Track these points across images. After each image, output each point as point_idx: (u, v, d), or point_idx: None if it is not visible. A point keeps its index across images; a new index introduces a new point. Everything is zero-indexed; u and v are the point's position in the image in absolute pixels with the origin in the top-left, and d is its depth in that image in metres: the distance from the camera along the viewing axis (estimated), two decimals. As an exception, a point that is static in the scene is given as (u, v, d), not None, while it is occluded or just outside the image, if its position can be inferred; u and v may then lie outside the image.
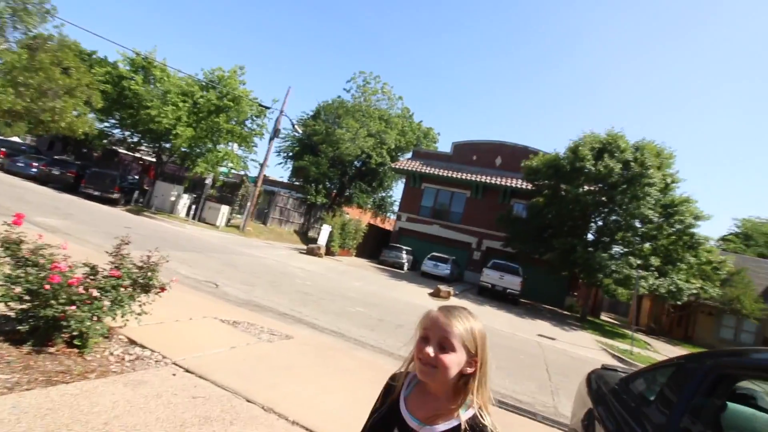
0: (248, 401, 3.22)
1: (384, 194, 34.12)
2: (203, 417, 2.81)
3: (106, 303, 3.27)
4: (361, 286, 13.32)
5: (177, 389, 3.11)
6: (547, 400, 5.75)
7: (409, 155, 30.70)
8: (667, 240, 17.61)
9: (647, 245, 17.68)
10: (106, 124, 21.11)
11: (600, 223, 19.21)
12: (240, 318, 5.61)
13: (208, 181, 19.65)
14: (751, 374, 1.51)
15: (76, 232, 9.53)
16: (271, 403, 3.26)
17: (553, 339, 12.02)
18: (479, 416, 1.03)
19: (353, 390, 4.04)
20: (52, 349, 3.04)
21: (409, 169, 27.62)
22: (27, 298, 2.97)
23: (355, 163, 29.88)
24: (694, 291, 17.34)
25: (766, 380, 1.51)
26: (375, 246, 26.62)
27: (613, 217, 18.22)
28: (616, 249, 18.24)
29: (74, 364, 3.00)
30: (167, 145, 20.26)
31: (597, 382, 2.62)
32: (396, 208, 30.66)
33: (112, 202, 18.45)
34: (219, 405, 3.04)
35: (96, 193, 18.27)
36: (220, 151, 19.49)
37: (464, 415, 1.02)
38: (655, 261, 16.86)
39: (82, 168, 20.00)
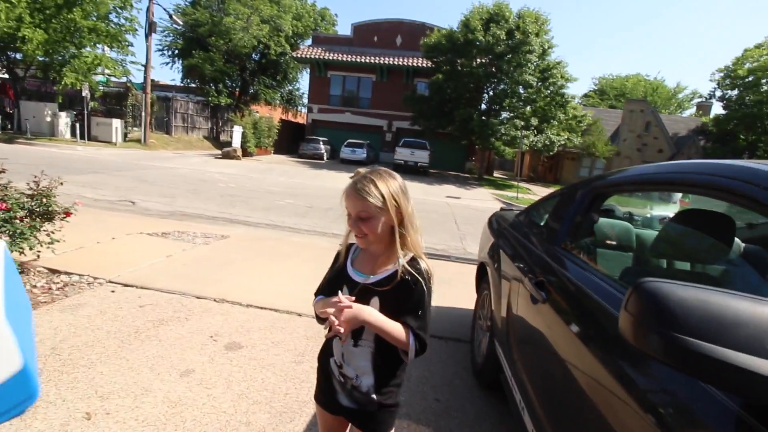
0: (198, 298, 3.18)
1: (291, 87, 31.21)
2: (156, 320, 2.73)
3: (5, 239, 2.76)
4: (286, 181, 12.95)
5: (120, 303, 2.93)
6: (457, 245, 6.54)
7: (309, 42, 27.54)
8: (543, 102, 19.19)
9: (528, 108, 19.17)
10: None
11: (491, 93, 20.04)
12: (168, 229, 5.22)
13: (86, 93, 16.02)
14: (612, 191, 1.74)
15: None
16: (222, 295, 3.25)
17: (458, 198, 13.26)
18: (415, 260, 1.07)
19: (296, 270, 4.17)
20: (-44, 296, 2.58)
21: (312, 57, 25.06)
22: None
23: (253, 56, 26.18)
24: (562, 142, 19.76)
25: (621, 192, 1.76)
26: (292, 141, 25.31)
27: (501, 86, 19.10)
28: (504, 115, 19.55)
29: (-9, 304, 2.61)
30: (18, 56, 15.65)
31: (497, 221, 2.96)
32: (306, 101, 28.54)
33: (-31, 133, 14.59)
34: (170, 307, 2.96)
35: (-59, 124, 14.17)
36: (87, 56, 15.61)
37: (401, 261, 1.05)
38: (534, 121, 18.54)
39: None
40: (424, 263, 1.08)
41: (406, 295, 1.04)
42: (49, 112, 16.60)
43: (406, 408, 2.06)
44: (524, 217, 2.49)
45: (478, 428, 1.97)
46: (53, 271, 3.33)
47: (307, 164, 19.46)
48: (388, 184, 1.05)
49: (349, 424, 1.20)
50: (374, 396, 1.08)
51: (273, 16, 24.42)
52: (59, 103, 17.08)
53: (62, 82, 15.27)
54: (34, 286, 2.99)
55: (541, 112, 19.26)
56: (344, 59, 24.71)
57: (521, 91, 18.90)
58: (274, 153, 23.19)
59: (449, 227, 7.99)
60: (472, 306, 3.04)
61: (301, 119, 31.74)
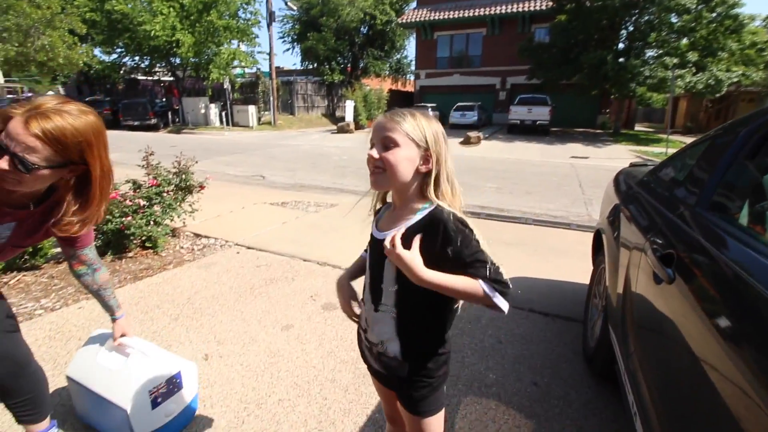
0: (304, 260, 3.44)
1: (399, 56, 31.00)
2: (268, 279, 3.05)
3: (157, 209, 3.39)
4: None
5: (242, 263, 3.36)
6: (580, 210, 5.71)
7: (414, 5, 26.66)
8: (707, 29, 14.86)
9: (684, 41, 15.15)
10: (114, 55, 19.91)
11: (631, 28, 16.44)
12: (287, 199, 5.78)
13: (227, 86, 18.70)
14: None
15: (130, 160, 9.80)
16: (324, 258, 3.46)
17: (585, 158, 11.57)
18: (441, 210, 0.86)
19: (396, 236, 4.18)
20: (130, 255, 3.31)
21: (417, 20, 24.25)
22: (90, 218, 3.12)
23: (361, 29, 26.62)
24: (735, 80, 15.23)
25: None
26: (401, 111, 25.38)
27: (645, 18, 15.44)
28: (650, 53, 15.90)
29: (153, 261, 3.27)
30: (177, 61, 19.03)
31: (624, 180, 2.41)
32: (414, 67, 28.09)
33: (153, 128, 18.53)
34: (280, 268, 3.27)
35: (135, 123, 18.32)
36: (225, 52, 18.04)
37: (423, 210, 0.88)
38: (692, 56, 14.60)
39: (114, 103, 19.76)
40: (459, 213, 0.87)
41: (434, 245, 0.84)
42: (202, 105, 19.90)
43: (495, 387, 1.88)
44: (658, 172, 1.95)
45: (584, 422, 1.68)
46: (197, 235, 4.01)
47: (415, 132, 19.35)
48: (428, 120, 0.89)
49: None
50: (404, 361, 0.95)
51: (378, -16, 24.23)
52: (209, 96, 20.34)
53: (210, 78, 18.08)
54: (182, 247, 3.63)
55: (703, 44, 15.02)
56: (451, 16, 23.26)
57: (673, 20, 14.98)
58: (384, 124, 23.67)
59: (571, 191, 7.03)
60: (588, 281, 2.60)
61: (410, 87, 31.48)
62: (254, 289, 2.88)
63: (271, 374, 1.94)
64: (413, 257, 0.82)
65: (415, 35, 26.27)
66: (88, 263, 1.33)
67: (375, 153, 0.87)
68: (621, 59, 15.70)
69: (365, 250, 1.11)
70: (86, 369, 1.56)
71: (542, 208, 5.74)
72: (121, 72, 21.01)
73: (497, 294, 0.84)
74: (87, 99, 21.48)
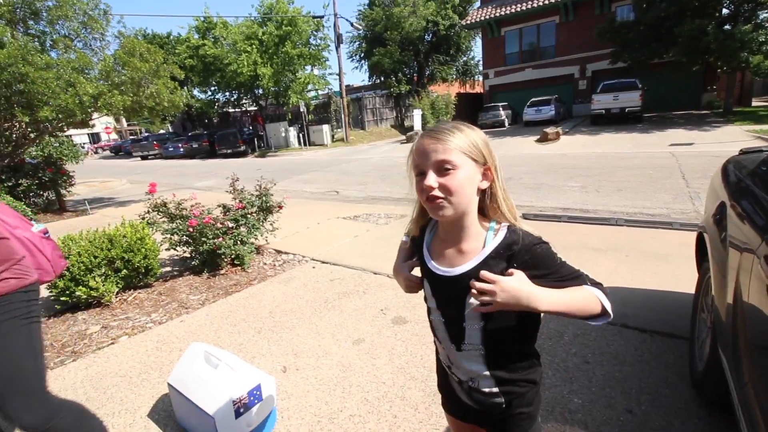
0: (375, 273, 3.51)
1: (465, 58, 30.46)
2: (341, 293, 3.16)
3: (243, 229, 3.74)
4: (464, 155, 12.81)
5: (318, 277, 3.53)
6: (685, 206, 4.98)
7: (477, 4, 26.03)
8: None
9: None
10: (209, 93, 22.78)
11: (738, -12, 14.03)
12: (359, 212, 5.98)
13: (303, 109, 20.17)
14: None
15: (223, 185, 11.03)
16: (394, 272, 3.49)
17: (690, 144, 10.08)
18: (513, 229, 0.81)
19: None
20: (223, 272, 3.69)
21: (482, 19, 23.60)
22: (189, 241, 3.57)
23: (425, 37, 26.76)
24: None
25: None
26: (471, 113, 24.76)
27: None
28: (764, 15, 13.37)
29: (241, 277, 3.61)
30: (260, 91, 21.06)
31: (734, 171, 2.04)
32: (481, 68, 27.33)
33: (242, 154, 20.65)
34: (352, 281, 3.38)
35: (228, 151, 20.61)
36: (300, 77, 19.50)
37: (498, 235, 0.82)
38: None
39: (211, 135, 22.50)
40: (528, 226, 0.82)
41: (526, 270, 0.77)
42: (282, 128, 21.66)
43: (581, 414, 1.70)
44: (779, 159, 1.62)
45: (693, 461, 1.43)
46: (278, 252, 4.33)
47: (487, 134, 18.13)
48: (475, 131, 0.82)
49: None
50: (501, 399, 0.89)
51: (438, -10, 24.21)
52: (288, 120, 22.08)
53: (289, 103, 19.68)
54: (265, 264, 3.95)
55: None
56: (519, 9, 22.21)
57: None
58: (453, 129, 23.33)
59: (673, 185, 6.16)
60: (694, 290, 2.24)
61: (479, 88, 30.67)
62: (328, 302, 3.01)
63: (343, 388, 2.00)
64: (524, 289, 0.74)
65: (480, 35, 25.61)
66: None
67: (433, 181, 0.77)
68: (726, 27, 13.46)
69: (405, 237, 1.00)
70: (183, 378, 1.76)
71: (636, 206, 5.12)
72: (216, 107, 23.91)
73: (605, 298, 0.79)
74: (190, 134, 24.81)
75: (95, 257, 2.94)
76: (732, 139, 10.24)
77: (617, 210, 5.00)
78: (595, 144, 11.82)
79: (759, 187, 1.54)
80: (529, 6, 21.93)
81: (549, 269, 0.79)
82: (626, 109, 15.74)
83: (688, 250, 3.20)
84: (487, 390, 0.90)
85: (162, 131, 30.44)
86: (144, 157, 25.62)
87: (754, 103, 19.68)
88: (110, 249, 3.04)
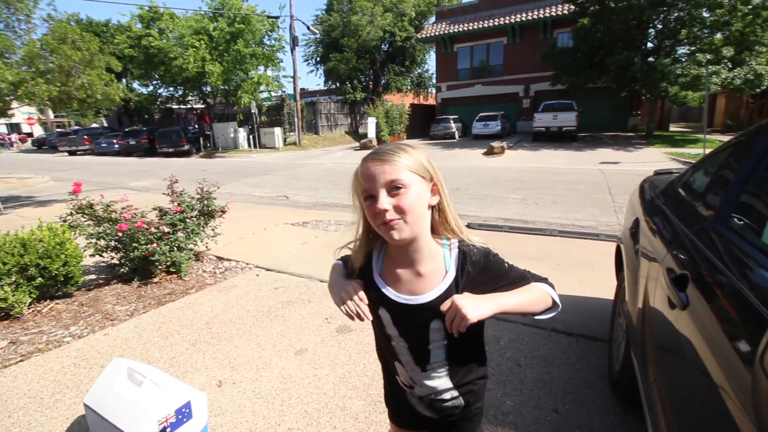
0: (321, 281, 3.45)
1: (420, 70, 31.33)
2: (285, 302, 3.08)
3: (181, 234, 3.52)
4: (416, 165, 13.09)
5: (261, 285, 3.41)
6: (610, 219, 5.46)
7: (433, 20, 26.98)
8: (743, 22, 14.13)
9: (718, 36, 14.45)
10: (151, 87, 21.33)
11: (659, 26, 15.88)
12: (308, 218, 5.87)
13: (254, 110, 19.54)
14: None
15: (162, 186, 10.34)
16: (341, 280, 3.46)
17: (616, 163, 11.11)
18: (465, 244, 0.84)
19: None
20: (156, 280, 3.44)
21: (437, 34, 24.49)
22: (118, 246, 3.29)
23: (381, 47, 27.17)
24: (777, 74, 14.30)
25: None
26: (423, 124, 25.48)
27: (675, 14, 14.90)
28: (681, 51, 15.26)
29: (176, 286, 3.39)
30: (208, 89, 20.09)
31: (648, 189, 2.28)
32: (435, 81, 28.25)
33: (186, 154, 19.51)
34: (297, 290, 3.30)
35: (170, 149, 19.36)
36: (252, 78, 18.90)
37: (451, 255, 0.83)
38: (727, 51, 13.86)
39: (151, 132, 21.02)
40: (475, 239, 0.85)
41: (483, 279, 0.82)
42: (231, 129, 20.80)
43: (512, 416, 1.78)
44: (682, 181, 1.83)
45: (608, 455, 1.56)
46: (219, 258, 4.12)
47: (438, 145, 19.31)
48: (414, 149, 0.81)
49: None
50: (461, 400, 0.93)
51: (395, 3, 24.75)
52: (238, 121, 21.25)
53: (240, 103, 18.94)
54: (204, 271, 3.74)
55: (739, 38, 14.26)
56: (471, 28, 23.34)
57: (705, 14, 14.36)
58: (406, 138, 23.82)
59: (601, 199, 6.74)
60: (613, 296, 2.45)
61: (432, 101, 31.66)
62: (271, 312, 2.91)
63: (282, 401, 1.94)
64: (485, 300, 0.77)
65: (435, 49, 26.51)
66: None
67: (386, 203, 0.74)
68: (650, 59, 15.15)
69: (338, 261, 1.00)
70: (102, 397, 1.61)
71: (569, 218, 5.53)
72: (157, 103, 22.42)
73: (552, 290, 0.86)
74: (126, 130, 23.00)
75: (4, 264, 2.61)
76: (652, 159, 11.45)
77: (553, 221, 5.37)
78: (535, 159, 12.64)
79: (667, 205, 1.73)
80: (481, 26, 23.12)
81: (502, 277, 0.84)
82: (563, 128, 17.07)
83: (611, 260, 3.52)
84: (448, 397, 0.92)
85: (95, 125, 27.97)
86: (72, 153, 23.32)
87: (671, 128, 22.18)
88: (23, 255, 2.72)
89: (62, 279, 2.92)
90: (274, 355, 2.35)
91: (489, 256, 0.83)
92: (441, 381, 0.90)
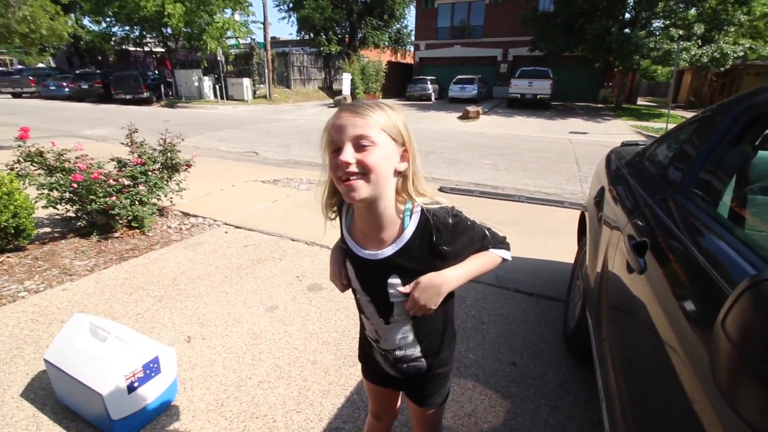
0: (293, 240, 3.42)
1: (398, 26, 29.92)
2: (255, 259, 3.04)
3: (142, 188, 3.33)
4: (391, 126, 12.84)
5: (230, 243, 3.34)
6: (575, 188, 5.66)
7: (414, -30, 25.52)
8: (716, 0, 14.34)
9: (692, 11, 14.62)
10: (104, 25, 19.22)
11: (639, -4, 15.83)
12: (279, 176, 5.71)
13: (221, 58, 18.14)
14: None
15: (120, 136, 9.64)
16: (313, 238, 3.44)
17: (584, 133, 11.39)
18: (428, 206, 0.80)
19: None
20: (117, 235, 3.28)
21: (418, -13, 23.29)
22: (74, 198, 3.08)
23: (359, -4, 25.59)
24: (741, 54, 14.79)
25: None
26: (400, 83, 24.80)
27: (654, -15, 14.85)
28: (657, 24, 15.37)
29: (139, 241, 3.25)
30: (169, 31, 18.36)
31: (614, 160, 2.35)
32: (414, 38, 27.20)
33: (145, 102, 18.12)
34: (268, 248, 3.25)
35: (127, 96, 17.90)
36: (218, 21, 17.41)
37: (414, 217, 0.81)
38: (698, 28, 14.11)
39: (105, 76, 19.24)
40: (445, 201, 0.83)
41: (446, 246, 0.81)
42: (196, 77, 19.37)
43: (474, 368, 1.90)
44: (646, 153, 1.89)
45: (558, 403, 1.70)
46: (185, 215, 3.97)
47: (414, 107, 18.95)
48: (393, 110, 0.78)
49: (400, 393, 1.13)
50: (423, 363, 0.95)
51: (376, -52, 23.07)
52: (203, 69, 19.77)
53: (204, 49, 17.51)
54: (169, 227, 3.60)
55: (711, 15, 14.51)
56: (453, -17, 22.34)
57: (683, -14, 14.41)
58: (382, 97, 23.19)
59: (567, 168, 6.94)
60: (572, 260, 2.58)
61: (409, 59, 30.63)
62: (240, 269, 2.87)
63: (253, 356, 1.96)
64: (436, 282, 0.82)
65: (415, 4, 25.30)
66: None
67: (349, 156, 0.71)
68: (626, 30, 15.21)
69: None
70: (64, 353, 1.56)
71: (537, 185, 5.69)
72: (112, 43, 20.36)
73: (504, 251, 0.91)
74: (78, 72, 20.93)
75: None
76: (618, 131, 11.81)
77: (521, 188, 5.50)
78: (509, 125, 12.73)
79: (632, 176, 1.79)
80: (462, -19, 22.14)
81: (466, 239, 0.84)
82: (538, 96, 17.15)
83: (574, 226, 3.68)
84: (412, 356, 0.94)
85: (41, 65, 25.20)
86: (17, 95, 21.07)
87: (639, 102, 22.81)
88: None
89: (12, 231, 2.71)
90: (244, 311, 2.35)
91: (452, 218, 0.81)
92: (405, 336, 0.91)
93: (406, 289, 0.83)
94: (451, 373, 1.04)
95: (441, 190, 5.18)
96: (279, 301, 2.47)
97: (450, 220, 0.80)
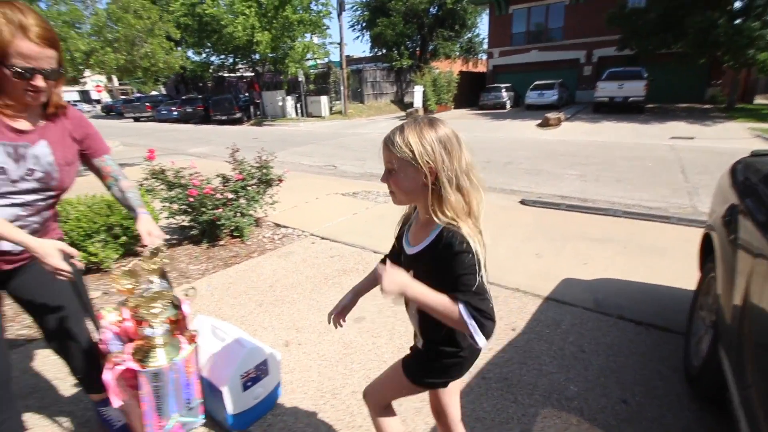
0: (374, 252, 3.51)
1: (470, 35, 29.64)
2: (341, 270, 3.17)
3: (243, 201, 3.69)
4: (464, 136, 12.31)
5: (317, 253, 3.53)
6: (682, 201, 5.03)
7: (488, -22, 25.14)
8: None
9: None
10: (204, 55, 21.96)
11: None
12: (358, 189, 5.93)
13: (301, 78, 19.64)
14: None
15: (219, 152, 10.80)
16: (394, 252, 3.50)
17: (690, 138, 10.09)
18: (450, 227, 0.90)
19: (466, 229, 4.08)
20: (222, 243, 3.67)
21: (492, -6, 22.89)
22: (188, 210, 3.52)
23: (430, 10, 25.88)
24: None
25: None
26: (473, 93, 24.38)
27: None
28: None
29: (240, 249, 3.60)
30: (257, 57, 20.36)
31: (744, 172, 2.04)
32: (486, 46, 26.70)
33: (237, 121, 20.19)
34: (352, 259, 3.38)
35: (223, 117, 20.12)
36: (299, 46, 18.87)
37: (435, 231, 0.93)
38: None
39: (206, 100, 21.87)
40: (466, 228, 0.89)
41: (443, 265, 0.89)
42: (280, 97, 21.12)
43: (577, 401, 1.76)
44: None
45: (684, 451, 1.50)
46: (277, 225, 4.30)
47: (487, 116, 18.49)
48: (422, 133, 0.90)
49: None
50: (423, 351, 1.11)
51: (449, -39, 23.25)
52: (285, 89, 21.51)
53: (287, 72, 19.09)
54: (264, 237, 3.93)
55: None
56: (530, -13, 21.56)
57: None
58: (454, 108, 23.02)
59: (671, 179, 6.20)
60: (692, 286, 2.28)
61: (482, 67, 30.07)
62: (328, 279, 3.02)
63: (345, 366, 2.03)
64: (397, 279, 0.87)
65: (488, 12, 24.89)
66: (113, 174, 1.45)
67: (384, 178, 0.97)
68: (737, 21, 13.26)
69: (382, 260, 1.23)
70: (189, 349, 1.77)
71: (634, 198, 5.16)
72: (210, 71, 23.12)
73: (474, 321, 0.84)
74: (183, 97, 24.09)
75: (95, 223, 2.89)
76: (733, 136, 10.27)
77: (616, 201, 5.04)
78: (596, 132, 11.79)
79: (771, 192, 1.54)
80: (540, -16, 21.27)
81: (452, 270, 0.88)
82: (629, 99, 15.65)
83: (685, 246, 3.26)
84: (419, 347, 1.13)
85: (154, 93, 29.50)
86: (136, 119, 24.91)
87: (756, 101, 19.66)
88: (109, 215, 2.99)
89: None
90: (334, 321, 2.45)
91: (459, 254, 0.87)
92: (415, 327, 1.11)
93: (385, 267, 0.89)
94: (449, 381, 1.13)
95: (523, 202, 4.95)
96: (365, 312, 2.55)
97: (456, 247, 0.87)
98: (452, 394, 1.21)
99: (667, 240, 3.59)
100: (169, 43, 7.81)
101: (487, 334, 0.85)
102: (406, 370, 1.15)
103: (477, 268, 0.87)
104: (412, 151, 0.89)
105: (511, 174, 6.84)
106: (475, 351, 1.08)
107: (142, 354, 1.25)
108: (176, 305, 1.39)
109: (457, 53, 29.11)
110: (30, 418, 1.74)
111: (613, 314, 2.41)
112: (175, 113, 21.95)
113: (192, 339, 1.35)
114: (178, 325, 1.37)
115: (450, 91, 21.53)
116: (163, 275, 1.39)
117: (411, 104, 20.51)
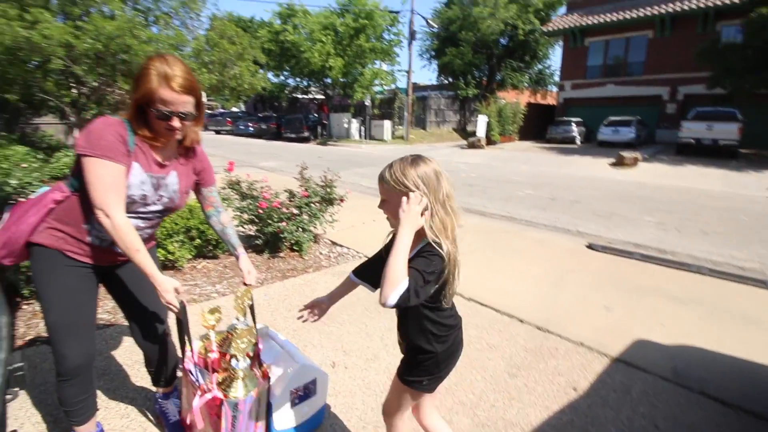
0: (427, 283, 3.45)
1: (540, 67, 29.08)
2: (392, 297, 3.15)
3: (305, 217, 3.86)
4: (528, 169, 12.29)
5: (370, 277, 3.55)
6: (783, 263, 4.38)
7: (563, 10, 24.73)
8: None
9: None
10: (281, 77, 23.84)
11: None
12: (414, 215, 5.94)
13: (368, 103, 20.49)
14: None
15: (286, 168, 11.49)
16: (447, 284, 3.42)
17: (794, 191, 8.88)
18: (430, 244, 1.07)
19: (525, 268, 3.89)
20: (282, 254, 3.84)
21: (566, 26, 22.39)
22: (256, 220, 3.75)
23: (501, 40, 25.89)
24: None
25: None
26: (540, 125, 23.69)
27: None
28: None
29: (297, 263, 3.73)
30: (328, 81, 21.66)
31: None
32: (557, 78, 25.99)
33: (305, 140, 21.41)
34: (404, 287, 3.35)
35: (292, 135, 21.48)
36: (368, 72, 19.78)
37: (421, 244, 1.10)
38: None
39: (279, 119, 23.56)
40: (446, 246, 1.08)
41: (416, 258, 1.08)
42: (346, 120, 22.13)
43: (649, 482, 1.54)
44: None
45: None
46: (333, 243, 4.42)
47: (555, 150, 17.80)
48: (412, 169, 1.09)
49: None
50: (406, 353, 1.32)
51: (522, -7, 23.27)
52: (352, 112, 22.52)
53: (354, 96, 20.06)
54: (321, 253, 4.05)
55: None
56: (610, 19, 20.77)
57: None
58: (519, 140, 22.48)
59: (769, 235, 5.46)
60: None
61: (551, 100, 29.23)
62: (378, 305, 3.01)
63: (390, 397, 1.99)
64: (416, 212, 1.05)
65: (561, 43, 24.35)
66: (215, 205, 1.66)
67: (379, 206, 1.19)
68: None
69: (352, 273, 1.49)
70: (244, 358, 1.84)
71: (723, 255, 4.60)
72: (286, 92, 24.96)
73: (405, 294, 0.99)
74: (260, 115, 26.17)
75: (176, 224, 3.18)
76: None
77: (701, 256, 4.52)
78: (678, 176, 10.81)
79: None
80: (621, 17, 20.45)
81: (416, 264, 1.05)
82: (720, 142, 14.23)
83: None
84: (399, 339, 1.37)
85: (234, 109, 32.43)
86: (217, 132, 27.44)
87: None
88: (189, 218, 3.27)
89: (214, 243, 3.44)
90: (381, 348, 2.43)
91: (429, 255, 1.07)
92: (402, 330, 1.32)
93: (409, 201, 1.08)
94: (426, 382, 1.27)
95: (590, 247, 4.62)
96: (414, 344, 2.49)
97: (427, 255, 1.07)
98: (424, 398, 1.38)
99: (764, 308, 3.13)
100: (255, 66, 8.57)
101: (400, 302, 0.99)
102: (397, 373, 1.33)
103: (433, 276, 1.06)
104: (400, 184, 1.08)
105: (578, 214, 6.46)
106: (452, 354, 1.27)
107: (226, 385, 1.38)
108: (254, 342, 1.52)
109: (526, 84, 28.62)
110: (98, 398, 1.90)
111: (695, 388, 2.12)
112: (251, 129, 23.85)
113: (265, 374, 1.46)
114: (255, 360, 1.51)
115: (516, 123, 21.13)
116: (245, 313, 1.66)
117: (473, 133, 20.37)
